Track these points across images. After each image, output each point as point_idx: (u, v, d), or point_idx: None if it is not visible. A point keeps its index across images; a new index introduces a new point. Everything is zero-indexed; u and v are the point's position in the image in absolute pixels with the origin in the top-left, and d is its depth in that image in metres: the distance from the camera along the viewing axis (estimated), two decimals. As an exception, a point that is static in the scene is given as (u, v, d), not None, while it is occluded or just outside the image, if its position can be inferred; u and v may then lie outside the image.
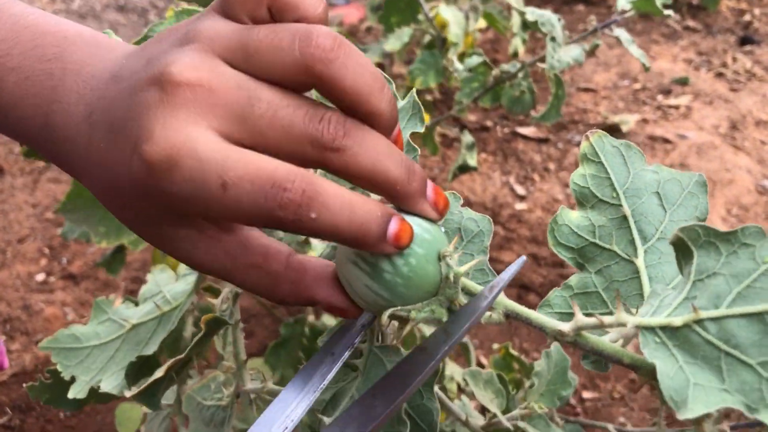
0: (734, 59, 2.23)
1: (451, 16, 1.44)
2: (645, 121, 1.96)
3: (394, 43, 1.52)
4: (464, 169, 1.39)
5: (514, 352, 0.91)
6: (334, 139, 0.31)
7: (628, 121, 1.96)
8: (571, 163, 1.81)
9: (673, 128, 1.90)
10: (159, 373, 0.46)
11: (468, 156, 1.38)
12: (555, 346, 0.75)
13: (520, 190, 1.72)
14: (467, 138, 1.42)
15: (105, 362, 0.60)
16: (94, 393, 0.58)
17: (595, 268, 0.38)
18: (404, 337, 0.43)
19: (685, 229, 0.31)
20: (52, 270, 1.53)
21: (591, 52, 1.22)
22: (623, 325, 0.32)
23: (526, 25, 1.49)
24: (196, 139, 0.30)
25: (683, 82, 2.12)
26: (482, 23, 1.88)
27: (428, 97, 1.85)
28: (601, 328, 0.32)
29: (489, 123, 1.99)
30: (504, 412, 0.65)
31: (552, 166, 1.81)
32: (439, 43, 1.47)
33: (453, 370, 0.70)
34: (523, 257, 0.35)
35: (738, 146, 1.82)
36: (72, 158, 0.35)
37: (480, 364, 1.30)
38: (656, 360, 0.29)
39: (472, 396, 0.79)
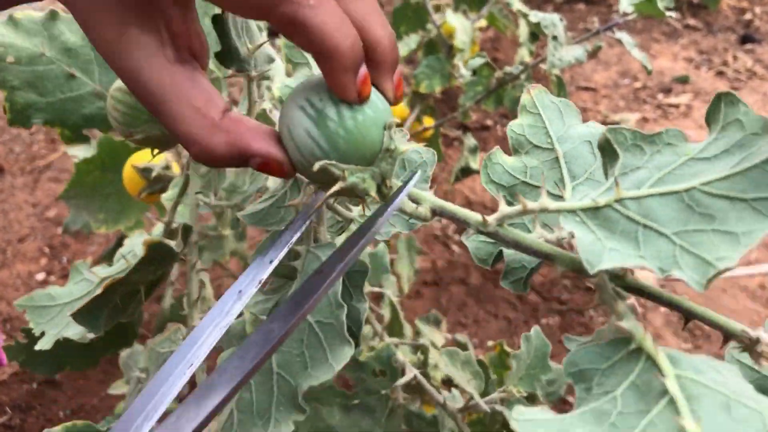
0: (735, 58, 2.22)
1: (458, 23, 1.44)
2: (645, 119, 1.95)
3: (402, 49, 1.52)
4: (466, 172, 1.39)
5: (509, 349, 0.91)
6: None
7: (629, 119, 1.96)
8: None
9: (674, 127, 1.90)
10: (98, 291, 0.45)
11: (471, 159, 1.38)
12: (535, 330, 0.75)
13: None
14: (470, 141, 1.42)
15: (70, 319, 0.61)
16: (67, 358, 0.58)
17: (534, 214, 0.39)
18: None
19: (612, 131, 0.33)
20: (52, 269, 1.52)
21: (593, 54, 1.22)
22: (546, 210, 0.33)
23: (534, 36, 1.49)
24: None
25: (684, 80, 2.12)
26: (482, 22, 1.88)
27: (430, 101, 1.85)
28: (524, 214, 0.33)
29: (489, 122, 1.98)
30: (482, 395, 0.65)
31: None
32: (446, 50, 1.47)
33: (438, 359, 0.70)
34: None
35: (738, 145, 1.82)
36: None
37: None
38: (576, 232, 0.30)
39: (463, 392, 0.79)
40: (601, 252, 0.29)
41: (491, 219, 0.33)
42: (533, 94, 0.40)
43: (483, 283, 1.48)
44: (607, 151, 0.32)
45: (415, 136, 1.48)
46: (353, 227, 0.43)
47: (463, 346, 1.14)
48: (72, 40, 0.60)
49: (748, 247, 0.27)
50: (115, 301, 0.46)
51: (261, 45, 0.44)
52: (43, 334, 0.60)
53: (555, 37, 1.19)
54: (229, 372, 0.30)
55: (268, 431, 0.33)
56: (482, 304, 1.43)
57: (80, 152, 0.93)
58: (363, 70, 0.33)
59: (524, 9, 1.30)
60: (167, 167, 0.71)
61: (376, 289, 0.85)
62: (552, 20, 1.22)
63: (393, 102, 0.35)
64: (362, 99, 0.33)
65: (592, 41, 1.25)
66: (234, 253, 0.97)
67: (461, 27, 1.41)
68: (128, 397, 0.67)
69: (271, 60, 0.46)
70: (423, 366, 0.75)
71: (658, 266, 0.28)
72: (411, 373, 0.67)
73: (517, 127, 0.39)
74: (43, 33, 0.60)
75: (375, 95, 0.34)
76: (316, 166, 0.33)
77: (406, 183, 0.35)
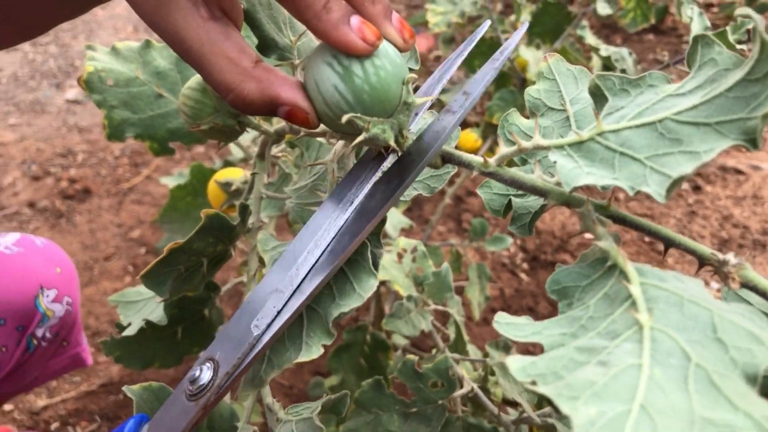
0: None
1: (531, 57, 1.48)
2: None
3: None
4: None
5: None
6: None
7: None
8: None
9: (746, 159, 1.85)
10: (163, 254, 0.50)
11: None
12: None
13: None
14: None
15: (154, 308, 0.67)
16: (156, 355, 0.65)
17: (535, 158, 0.42)
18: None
19: (601, 77, 0.35)
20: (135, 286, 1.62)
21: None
22: (539, 147, 0.35)
23: (606, 68, 1.52)
24: None
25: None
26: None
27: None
28: (521, 153, 0.36)
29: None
30: (536, 409, 0.67)
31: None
32: (519, 82, 1.52)
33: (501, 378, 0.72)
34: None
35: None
36: None
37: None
38: (559, 160, 0.33)
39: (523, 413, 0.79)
40: (579, 175, 0.32)
41: (491, 160, 0.37)
42: (551, 62, 0.43)
43: (551, 312, 1.47)
44: (597, 96, 0.36)
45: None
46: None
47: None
48: (162, 64, 0.69)
49: (706, 161, 0.30)
50: (180, 269, 0.52)
51: (301, 35, 0.49)
52: (129, 324, 0.68)
53: (623, 70, 1.21)
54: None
55: (300, 354, 0.38)
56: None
57: (171, 181, 1.02)
58: (355, 20, 0.36)
59: (596, 43, 1.34)
60: (245, 182, 0.78)
61: (440, 308, 0.89)
62: (621, 54, 1.25)
63: (403, 45, 0.38)
64: (371, 46, 0.36)
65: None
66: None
67: (534, 60, 1.45)
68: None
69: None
70: (483, 382, 0.77)
71: (629, 185, 0.31)
72: (468, 386, 0.69)
73: (534, 92, 0.42)
74: (139, 59, 0.69)
75: (391, 48, 0.37)
76: (344, 118, 0.36)
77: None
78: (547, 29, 1.56)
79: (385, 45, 0.37)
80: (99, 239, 1.76)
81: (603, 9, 1.41)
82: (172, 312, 0.68)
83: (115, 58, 0.69)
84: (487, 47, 1.55)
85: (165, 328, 0.69)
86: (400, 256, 0.76)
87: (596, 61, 1.50)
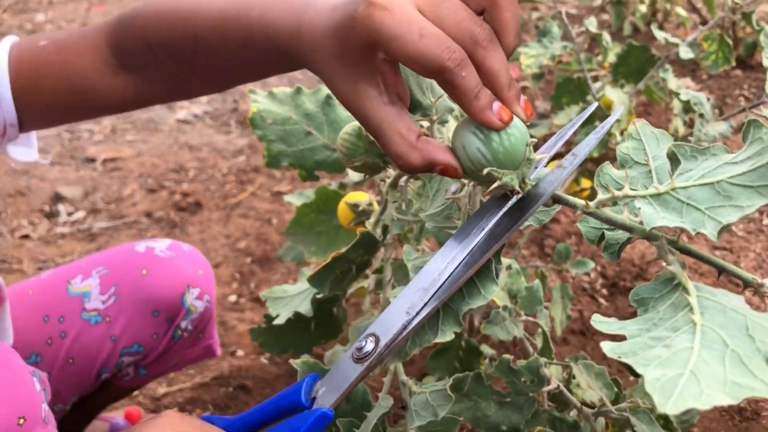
0: None
1: (616, 96, 1.59)
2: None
3: (562, 118, 1.69)
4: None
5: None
6: (485, 39, 0.48)
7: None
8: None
9: None
10: (327, 260, 0.65)
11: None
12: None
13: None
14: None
15: (300, 302, 0.84)
16: (291, 344, 0.81)
17: (624, 202, 0.54)
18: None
19: (677, 146, 0.48)
20: (242, 292, 1.75)
21: (739, 130, 1.33)
22: (628, 196, 0.48)
23: (686, 110, 1.61)
24: (406, 3, 0.48)
25: None
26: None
27: (588, 165, 1.99)
28: (613, 199, 0.49)
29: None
30: (613, 404, 0.78)
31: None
32: (603, 119, 1.63)
33: (581, 378, 0.83)
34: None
35: None
36: (309, 39, 0.54)
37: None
38: (642, 207, 0.46)
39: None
40: (656, 218, 0.45)
41: (591, 203, 0.50)
42: (638, 126, 0.55)
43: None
44: (673, 160, 0.48)
45: (573, 196, 1.63)
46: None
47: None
48: (310, 108, 0.84)
49: (748, 213, 0.43)
50: (336, 273, 0.67)
51: (439, 97, 0.64)
52: (277, 316, 0.83)
53: (702, 115, 1.31)
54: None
55: (437, 337, 0.52)
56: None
57: (295, 199, 1.18)
58: (496, 105, 0.49)
59: (677, 87, 1.44)
60: (370, 204, 0.93)
61: (531, 319, 1.01)
62: (700, 99, 1.35)
63: (526, 120, 0.51)
64: (505, 123, 0.49)
65: (739, 118, 1.36)
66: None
67: (618, 99, 1.56)
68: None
69: (450, 110, 0.66)
70: (566, 383, 0.89)
71: (692, 227, 0.44)
72: (555, 383, 0.82)
73: (624, 148, 0.54)
74: (291, 102, 0.85)
75: (518, 121, 0.50)
76: (485, 171, 0.50)
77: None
78: (632, 70, 1.67)
79: (514, 119, 0.51)
80: (209, 248, 1.94)
81: (685, 53, 1.50)
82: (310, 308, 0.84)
83: (272, 101, 0.85)
84: (575, 86, 1.67)
85: (302, 321, 0.84)
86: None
87: (677, 104, 1.59)
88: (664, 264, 0.48)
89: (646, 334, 0.42)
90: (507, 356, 0.77)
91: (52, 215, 2.16)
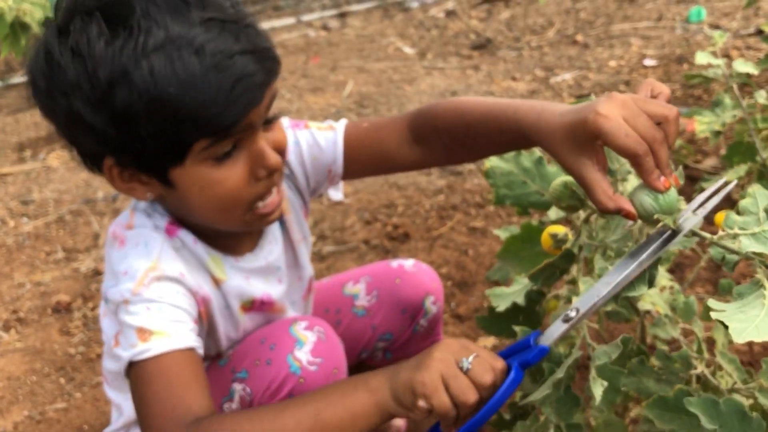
0: None
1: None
2: None
3: (732, 175, 1.91)
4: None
5: None
6: (660, 140, 0.79)
7: None
8: None
9: None
10: (541, 265, 0.99)
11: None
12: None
13: None
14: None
15: (516, 296, 1.23)
16: (502, 329, 1.18)
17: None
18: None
19: None
20: (444, 311, 2.02)
21: None
22: (737, 234, 0.79)
23: None
24: (618, 116, 0.79)
25: None
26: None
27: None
28: (728, 235, 0.79)
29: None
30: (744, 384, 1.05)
31: None
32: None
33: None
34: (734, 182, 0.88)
35: None
36: (545, 129, 0.87)
37: None
38: (742, 240, 0.77)
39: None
40: (750, 246, 0.76)
41: (715, 237, 0.81)
42: (754, 188, 0.85)
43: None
44: (768, 211, 0.79)
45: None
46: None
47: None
48: (527, 164, 1.18)
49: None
50: (547, 273, 1.01)
51: (622, 165, 0.98)
52: (497, 306, 1.21)
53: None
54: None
55: (636, 290, 0.84)
56: None
57: (502, 233, 1.53)
58: (662, 178, 0.81)
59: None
60: (566, 234, 1.27)
61: (687, 326, 1.29)
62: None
63: (678, 187, 0.82)
64: (666, 189, 0.81)
65: None
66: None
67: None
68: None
69: (628, 172, 0.99)
70: (712, 372, 1.16)
71: (772, 253, 0.75)
72: (701, 368, 1.10)
73: (743, 202, 0.82)
74: (513, 161, 1.20)
75: (672, 189, 0.81)
76: (655, 217, 0.82)
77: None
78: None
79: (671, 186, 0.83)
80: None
81: None
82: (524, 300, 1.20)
83: (500, 159, 1.22)
84: (745, 148, 1.90)
85: (515, 313, 1.20)
86: (661, 289, 1.20)
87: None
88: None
89: (738, 310, 0.73)
90: (664, 347, 1.08)
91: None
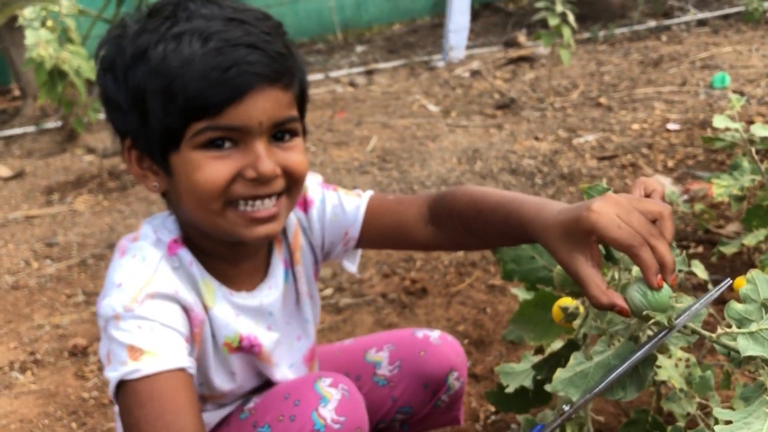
0: None
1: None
2: None
3: (751, 239, 1.92)
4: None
5: None
6: (655, 235, 0.81)
7: None
8: None
9: None
10: (545, 356, 0.98)
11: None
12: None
13: None
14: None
15: (524, 378, 1.20)
16: (513, 406, 1.16)
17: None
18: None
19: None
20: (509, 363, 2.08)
21: None
22: (734, 332, 0.78)
23: None
24: (611, 212, 0.82)
25: None
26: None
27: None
28: (727, 334, 0.79)
29: None
30: None
31: None
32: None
33: None
34: (728, 281, 0.85)
35: None
36: (542, 226, 0.91)
37: None
38: (740, 342, 0.76)
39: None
40: (748, 348, 0.76)
41: (714, 336, 0.80)
42: (754, 274, 0.83)
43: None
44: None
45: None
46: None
47: None
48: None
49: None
50: (551, 363, 1.02)
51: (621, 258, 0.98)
52: (507, 385, 1.20)
53: None
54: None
55: (626, 394, 0.83)
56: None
57: (521, 292, 1.53)
58: (658, 276, 0.81)
59: None
60: (576, 308, 1.27)
61: (703, 401, 1.27)
62: None
63: (673, 285, 0.82)
64: (660, 287, 0.81)
65: None
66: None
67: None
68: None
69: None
70: None
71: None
72: None
73: (744, 289, 0.82)
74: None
75: (666, 286, 0.82)
76: (644, 313, 0.82)
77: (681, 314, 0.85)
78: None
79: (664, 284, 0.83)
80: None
81: None
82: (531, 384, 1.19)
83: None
84: (764, 212, 1.89)
85: (524, 391, 1.20)
86: (677, 362, 1.18)
87: None
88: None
89: (743, 421, 0.72)
90: (680, 425, 1.07)
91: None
